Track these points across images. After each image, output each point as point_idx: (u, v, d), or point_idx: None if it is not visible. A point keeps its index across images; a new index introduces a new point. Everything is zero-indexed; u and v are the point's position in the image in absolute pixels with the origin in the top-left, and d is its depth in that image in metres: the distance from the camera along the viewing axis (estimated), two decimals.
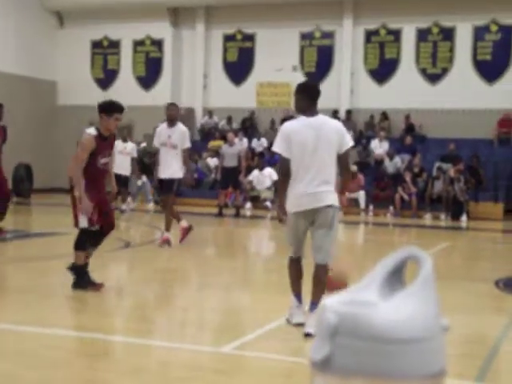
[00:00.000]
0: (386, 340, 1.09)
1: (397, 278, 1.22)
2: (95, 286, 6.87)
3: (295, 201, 5.51)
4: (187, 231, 10.61)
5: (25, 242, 10.39)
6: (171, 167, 10.17)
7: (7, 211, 10.44)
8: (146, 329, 5.82)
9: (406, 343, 1.09)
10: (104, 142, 6.89)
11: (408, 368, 1.10)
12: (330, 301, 1.14)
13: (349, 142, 5.61)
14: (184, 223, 10.63)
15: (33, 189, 20.89)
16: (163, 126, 10.45)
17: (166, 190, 10.35)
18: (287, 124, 5.70)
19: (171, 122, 10.33)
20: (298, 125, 5.58)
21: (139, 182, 18.89)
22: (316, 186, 5.45)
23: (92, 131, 6.87)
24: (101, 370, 4.50)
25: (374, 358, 1.09)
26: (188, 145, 10.43)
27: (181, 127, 10.36)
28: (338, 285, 5.28)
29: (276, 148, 5.60)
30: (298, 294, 5.65)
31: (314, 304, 5.40)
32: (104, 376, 4.37)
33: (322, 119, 5.61)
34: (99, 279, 7.04)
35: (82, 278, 6.90)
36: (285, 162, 5.54)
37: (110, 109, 6.90)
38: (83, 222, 6.83)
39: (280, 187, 5.73)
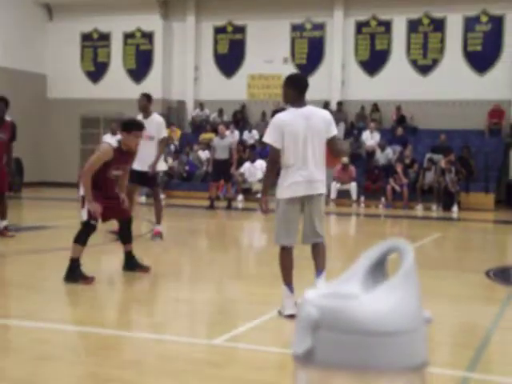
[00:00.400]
0: (368, 333, 1.09)
1: (379, 270, 1.21)
2: (86, 280, 6.89)
3: (290, 187, 5.62)
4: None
5: (16, 236, 10.37)
6: (149, 159, 10.11)
7: (5, 207, 10.44)
8: (137, 322, 5.82)
9: (389, 336, 1.09)
10: (121, 156, 7.14)
11: (390, 360, 1.10)
12: (311, 294, 1.14)
13: (334, 129, 5.80)
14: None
15: (23, 183, 20.81)
16: (138, 118, 10.42)
17: (152, 183, 10.35)
18: (279, 115, 5.80)
19: (145, 113, 10.32)
20: (290, 115, 5.71)
21: None
22: (309, 174, 5.62)
23: (113, 142, 7.16)
24: (93, 363, 4.50)
25: (356, 350, 1.09)
26: (164, 134, 10.40)
27: (156, 118, 10.35)
28: (335, 160, 5.94)
29: (267, 138, 5.72)
30: (289, 284, 5.68)
31: (320, 271, 5.65)
32: (96, 370, 4.36)
33: (311, 109, 5.78)
34: (91, 273, 7.04)
35: (74, 271, 6.93)
36: (275, 152, 5.66)
37: (128, 127, 7.19)
38: (84, 216, 7.00)
39: (266, 176, 5.90)
